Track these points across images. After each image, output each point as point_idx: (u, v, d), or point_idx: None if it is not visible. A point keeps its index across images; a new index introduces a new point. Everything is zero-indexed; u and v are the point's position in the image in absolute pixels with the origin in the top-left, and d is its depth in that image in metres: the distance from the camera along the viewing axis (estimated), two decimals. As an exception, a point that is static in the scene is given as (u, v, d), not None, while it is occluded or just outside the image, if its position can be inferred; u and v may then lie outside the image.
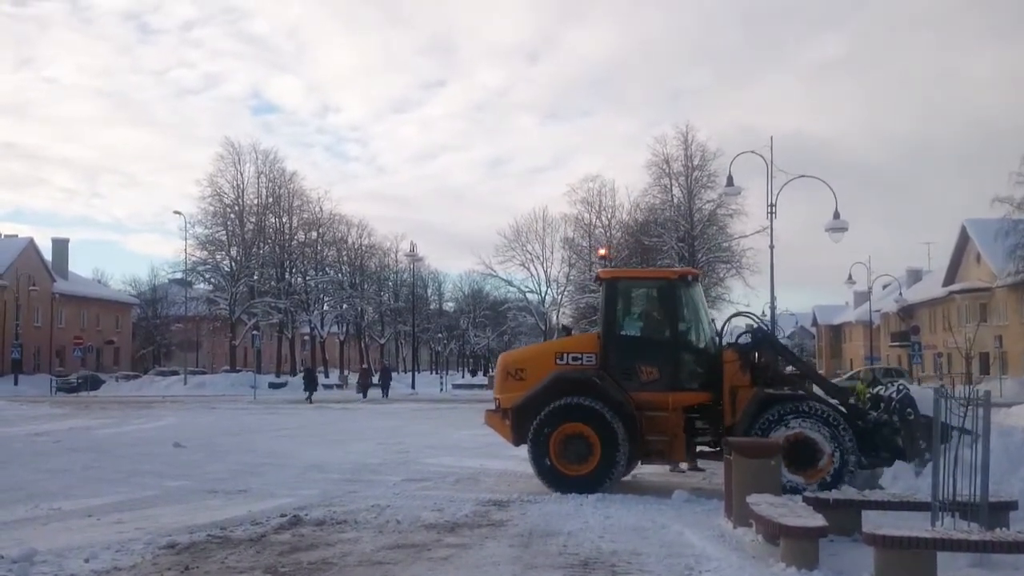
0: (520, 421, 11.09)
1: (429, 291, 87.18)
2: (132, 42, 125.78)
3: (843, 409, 10.54)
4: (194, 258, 59.68)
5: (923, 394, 10.79)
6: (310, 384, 41.35)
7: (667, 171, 54.30)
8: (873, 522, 7.03)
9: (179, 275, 63.37)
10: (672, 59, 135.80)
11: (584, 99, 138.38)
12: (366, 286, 71.72)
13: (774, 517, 6.74)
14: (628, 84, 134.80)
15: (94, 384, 52.87)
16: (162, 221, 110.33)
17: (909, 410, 10.24)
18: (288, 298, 60.35)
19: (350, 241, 69.97)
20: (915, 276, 73.47)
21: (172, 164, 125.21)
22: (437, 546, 7.64)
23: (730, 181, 27.65)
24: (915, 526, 6.56)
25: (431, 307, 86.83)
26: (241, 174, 61.52)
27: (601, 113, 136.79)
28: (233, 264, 60.85)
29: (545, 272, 67.01)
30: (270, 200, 62.93)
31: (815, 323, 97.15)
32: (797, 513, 6.95)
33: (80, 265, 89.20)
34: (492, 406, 11.79)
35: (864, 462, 10.32)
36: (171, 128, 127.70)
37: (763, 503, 7.34)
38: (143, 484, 11.74)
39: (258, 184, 62.46)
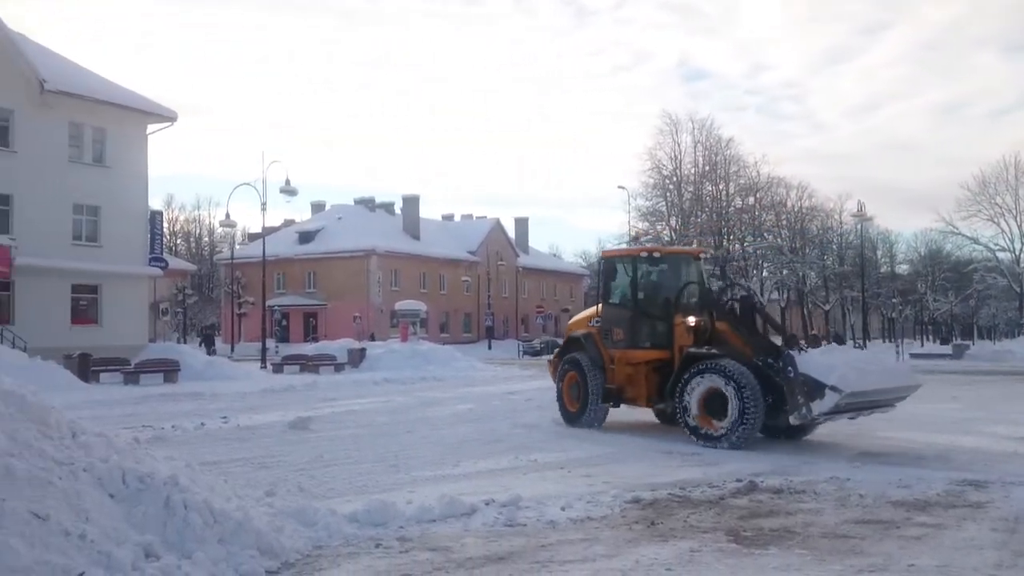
0: (554, 369, 15.18)
1: (879, 253, 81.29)
2: (569, 27, 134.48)
3: (761, 367, 11.53)
4: (636, 229, 62.37)
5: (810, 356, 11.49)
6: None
7: None
8: None
9: (623, 246, 66.70)
10: None
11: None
12: (807, 250, 69.01)
13: None
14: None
15: (554, 349, 57.78)
16: (605, 196, 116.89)
17: (789, 368, 11.15)
18: (727, 265, 60.41)
19: (789, 204, 67.78)
20: None
21: (611, 141, 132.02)
22: (907, 524, 7.14)
23: None
24: None
25: (881, 270, 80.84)
26: (678, 145, 62.89)
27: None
28: (672, 234, 62.35)
29: (1019, 227, 59.19)
30: (707, 168, 63.42)
31: None
32: None
33: (538, 241, 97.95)
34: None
35: (796, 414, 11.10)
36: (607, 106, 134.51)
37: None
38: (605, 440, 12.60)
39: (695, 153, 63.37)
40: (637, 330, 13.41)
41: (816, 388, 10.93)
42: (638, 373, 13.32)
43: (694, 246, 56.35)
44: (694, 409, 11.93)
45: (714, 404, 11.75)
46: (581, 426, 13.76)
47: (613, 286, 14.23)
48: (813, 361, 11.27)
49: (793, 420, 11.33)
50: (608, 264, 14.45)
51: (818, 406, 10.94)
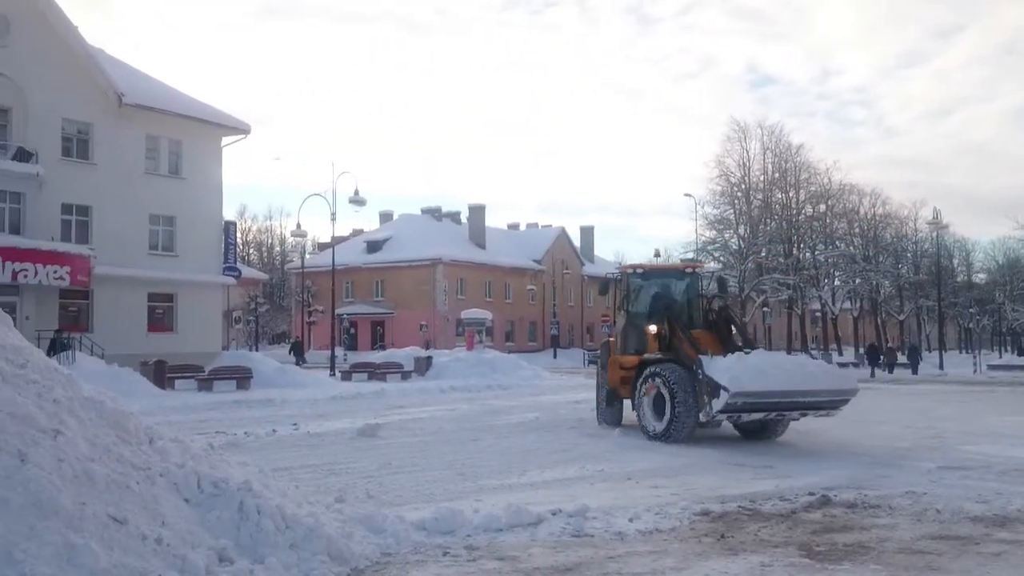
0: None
1: (955, 262, 78.93)
2: (633, 35, 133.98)
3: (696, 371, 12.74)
4: (703, 238, 61.61)
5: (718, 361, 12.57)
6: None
7: None
8: None
9: (691, 255, 65.91)
10: None
11: None
12: (881, 259, 67.30)
13: None
14: None
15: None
16: (669, 204, 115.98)
17: (699, 371, 12.48)
18: (797, 274, 59.18)
19: (862, 212, 66.16)
20: None
21: (676, 148, 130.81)
22: (986, 540, 6.92)
23: None
24: None
25: (958, 279, 78.49)
26: (747, 152, 61.80)
27: None
28: (741, 242, 61.42)
29: (1104, 235, 56.98)
30: (776, 175, 62.29)
31: None
32: None
33: (604, 249, 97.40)
34: None
35: (703, 412, 12.69)
36: (673, 114, 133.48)
37: None
38: (673, 451, 12.44)
39: (763, 160, 62.25)
40: (626, 337, 15.28)
41: (715, 388, 12.14)
42: (628, 375, 14.75)
43: (762, 259, 55.59)
44: (646, 409, 13.55)
45: (659, 404, 13.29)
46: (599, 423, 15.78)
47: (621, 298, 16.02)
48: (717, 364, 12.43)
49: (701, 417, 12.80)
50: (620, 279, 16.24)
51: (715, 404, 12.20)
